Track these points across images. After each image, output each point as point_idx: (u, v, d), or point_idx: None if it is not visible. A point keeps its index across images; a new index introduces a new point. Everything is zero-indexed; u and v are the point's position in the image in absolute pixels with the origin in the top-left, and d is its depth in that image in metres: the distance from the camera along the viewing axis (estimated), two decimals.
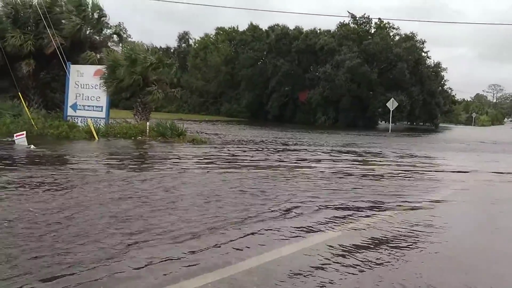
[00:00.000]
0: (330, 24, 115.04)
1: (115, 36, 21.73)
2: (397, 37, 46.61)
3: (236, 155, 12.88)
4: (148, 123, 16.92)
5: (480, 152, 18.91)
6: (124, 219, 4.99)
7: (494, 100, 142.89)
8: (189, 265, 3.73)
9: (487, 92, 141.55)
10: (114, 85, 16.78)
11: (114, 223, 4.83)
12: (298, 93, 46.29)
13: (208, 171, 9.22)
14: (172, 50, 62.39)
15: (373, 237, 4.79)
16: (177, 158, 11.43)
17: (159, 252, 3.98)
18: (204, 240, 4.39)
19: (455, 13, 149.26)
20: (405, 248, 4.46)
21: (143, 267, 3.62)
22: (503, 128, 67.85)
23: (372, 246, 4.49)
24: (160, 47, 58.28)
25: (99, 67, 17.58)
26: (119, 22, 40.18)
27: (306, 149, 16.01)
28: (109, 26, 22.14)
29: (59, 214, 5.04)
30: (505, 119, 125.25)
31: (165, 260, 3.81)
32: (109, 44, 22.51)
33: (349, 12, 48.09)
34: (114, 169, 8.97)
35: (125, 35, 38.94)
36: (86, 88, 17.48)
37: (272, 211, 5.76)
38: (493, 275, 3.93)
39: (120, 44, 22.45)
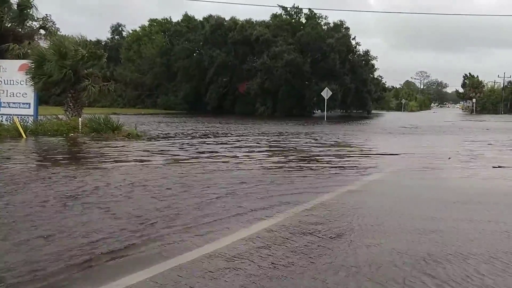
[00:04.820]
0: (264, 14, 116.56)
1: (41, 30, 20.77)
2: (327, 27, 47.99)
3: (166, 149, 12.88)
4: (80, 119, 16.39)
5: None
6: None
7: (422, 87, 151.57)
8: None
9: (415, 79, 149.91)
10: (42, 80, 16.07)
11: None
12: (238, 85, 46.59)
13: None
14: (103, 43, 60.24)
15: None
16: (102, 155, 11.24)
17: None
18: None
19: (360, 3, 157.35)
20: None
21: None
22: (428, 113, 72.39)
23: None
24: (90, 40, 56.02)
25: (24, 61, 16.75)
26: (46, 14, 37.68)
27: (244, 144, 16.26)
28: (35, 18, 21.14)
29: None
30: (432, 104, 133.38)
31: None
32: (36, 37, 21.49)
33: (279, 5, 48.90)
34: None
35: (53, 28, 37.05)
36: (10, 84, 16.59)
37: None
38: None
39: (48, 37, 21.51)
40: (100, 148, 12.44)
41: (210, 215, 5.15)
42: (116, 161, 9.74)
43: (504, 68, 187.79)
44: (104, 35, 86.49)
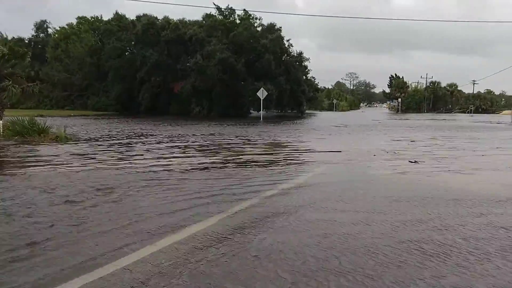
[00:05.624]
0: (196, 15, 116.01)
1: None
2: (261, 28, 48.61)
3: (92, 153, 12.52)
4: (1, 122, 15.49)
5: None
6: None
7: (352, 87, 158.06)
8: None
9: (345, 80, 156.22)
10: None
11: None
12: (172, 85, 45.88)
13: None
14: (26, 41, 57.03)
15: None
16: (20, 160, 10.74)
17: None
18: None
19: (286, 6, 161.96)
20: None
21: None
22: (357, 113, 75.67)
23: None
24: (13, 37, 52.98)
25: None
26: None
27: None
28: None
29: None
30: (361, 104, 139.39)
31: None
32: None
33: (214, 4, 49.03)
34: None
35: None
36: None
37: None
38: None
39: None
40: (20, 152, 11.83)
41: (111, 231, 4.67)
42: (31, 166, 9.33)
43: (426, 69, 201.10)
44: (27, 32, 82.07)
